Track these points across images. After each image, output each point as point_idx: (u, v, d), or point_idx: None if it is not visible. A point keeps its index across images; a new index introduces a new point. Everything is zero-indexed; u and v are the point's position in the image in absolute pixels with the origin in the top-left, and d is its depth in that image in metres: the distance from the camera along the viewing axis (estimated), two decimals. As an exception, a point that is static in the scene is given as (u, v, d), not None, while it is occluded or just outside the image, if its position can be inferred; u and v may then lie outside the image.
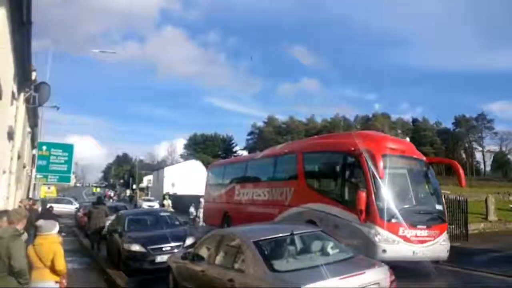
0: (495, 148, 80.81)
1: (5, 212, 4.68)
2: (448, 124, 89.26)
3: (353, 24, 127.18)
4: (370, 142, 8.89)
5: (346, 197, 8.80)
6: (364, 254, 6.32)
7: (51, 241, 4.81)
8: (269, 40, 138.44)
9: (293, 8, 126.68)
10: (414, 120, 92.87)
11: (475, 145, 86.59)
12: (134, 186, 70.98)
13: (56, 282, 4.77)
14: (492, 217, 17.13)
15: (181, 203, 29.94)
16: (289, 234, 5.31)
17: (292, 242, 5.31)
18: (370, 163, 8.21)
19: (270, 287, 4.34)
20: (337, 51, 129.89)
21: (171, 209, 24.38)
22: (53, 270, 4.69)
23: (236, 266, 5.09)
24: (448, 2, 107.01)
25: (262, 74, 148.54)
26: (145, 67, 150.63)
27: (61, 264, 4.70)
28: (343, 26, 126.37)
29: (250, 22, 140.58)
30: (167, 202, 26.07)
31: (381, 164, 7.91)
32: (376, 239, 7.72)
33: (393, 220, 7.89)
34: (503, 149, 79.22)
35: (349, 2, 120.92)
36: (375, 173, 8.06)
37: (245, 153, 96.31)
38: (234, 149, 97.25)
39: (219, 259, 5.65)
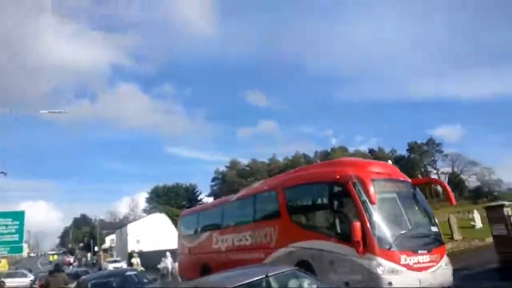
0: (448, 169, 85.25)
1: None
2: (402, 151, 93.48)
3: (305, 65, 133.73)
4: (354, 168, 8.44)
5: (338, 229, 8.18)
6: None
7: None
8: (224, 86, 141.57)
9: (245, 53, 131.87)
10: (371, 151, 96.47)
11: (429, 168, 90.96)
12: (96, 248, 66.73)
13: None
14: (457, 236, 17.73)
15: (150, 259, 28.04)
16: (264, 276, 5.15)
17: (268, 285, 5.15)
18: (359, 190, 7.72)
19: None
20: (290, 92, 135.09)
21: (141, 268, 23.00)
22: None
23: (214, 318, 4.82)
24: (385, 34, 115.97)
25: (221, 120, 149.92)
26: (100, 123, 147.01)
27: None
28: (294, 67, 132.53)
29: (203, 71, 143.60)
30: (136, 261, 24.59)
31: (371, 190, 7.44)
32: (379, 271, 7.13)
33: (393, 248, 7.34)
34: (455, 169, 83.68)
35: (297, 44, 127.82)
36: (366, 199, 7.59)
37: (210, 199, 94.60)
38: (198, 197, 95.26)
39: (194, 313, 5.34)
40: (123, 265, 32.16)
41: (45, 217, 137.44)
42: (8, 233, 18.62)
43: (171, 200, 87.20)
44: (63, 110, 17.51)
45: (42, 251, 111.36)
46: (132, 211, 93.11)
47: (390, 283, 7.02)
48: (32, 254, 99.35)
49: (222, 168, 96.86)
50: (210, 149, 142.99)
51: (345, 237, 7.75)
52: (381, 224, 7.56)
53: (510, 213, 10.50)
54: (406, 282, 7.10)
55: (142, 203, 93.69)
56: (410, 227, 7.94)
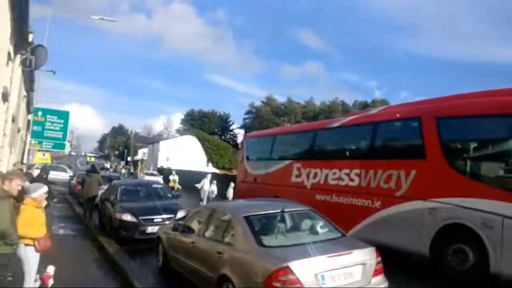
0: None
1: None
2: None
3: (361, 9, 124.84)
4: None
5: None
6: None
7: (26, 203, 4.78)
8: (277, 21, 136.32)
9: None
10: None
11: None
12: (129, 158, 71.07)
13: (27, 245, 4.68)
14: None
15: (187, 179, 26.46)
16: (279, 211, 5.35)
17: (283, 220, 5.35)
18: None
19: (258, 261, 4.40)
20: (342, 35, 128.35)
21: (178, 186, 23.02)
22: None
23: (226, 239, 5.15)
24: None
25: (267, 55, 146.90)
26: (150, 40, 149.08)
27: (19, 226, 4.42)
28: (351, 10, 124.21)
29: (258, 2, 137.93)
30: (173, 178, 23.87)
31: None
32: None
33: None
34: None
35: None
36: None
37: (241, 131, 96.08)
38: (230, 127, 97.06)
39: (209, 232, 5.72)
40: (159, 179, 30.27)
41: (89, 122, 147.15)
42: (53, 130, 20.11)
43: (205, 125, 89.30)
44: (114, 18, 17.54)
45: (82, 152, 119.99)
46: (166, 129, 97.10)
47: None
48: (73, 153, 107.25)
49: (258, 103, 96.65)
50: (249, 82, 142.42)
51: None
52: None
53: None
54: None
55: (176, 124, 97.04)
56: None
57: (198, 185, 18.67)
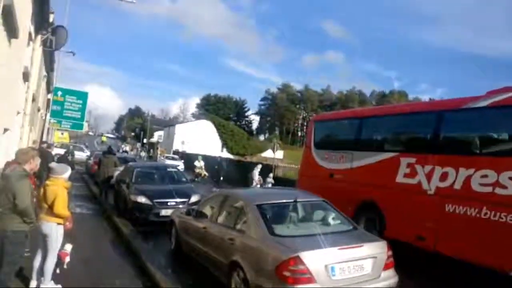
0: None
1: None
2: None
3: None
4: None
5: None
6: None
7: (58, 184, 4.91)
8: (301, 9, 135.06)
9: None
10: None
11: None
12: (145, 140, 71.97)
13: (59, 224, 4.89)
14: None
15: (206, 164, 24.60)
16: (292, 201, 5.36)
17: (295, 209, 5.36)
18: None
19: (269, 249, 4.43)
20: (364, 25, 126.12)
21: (205, 173, 22.43)
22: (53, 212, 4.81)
23: (238, 226, 5.19)
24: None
25: (288, 43, 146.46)
26: (172, 24, 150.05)
27: (59, 207, 4.77)
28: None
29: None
30: (200, 164, 22.52)
31: None
32: None
33: None
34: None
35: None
36: None
37: (257, 118, 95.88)
38: (246, 113, 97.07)
39: (221, 218, 5.77)
40: (181, 164, 29.35)
41: (108, 103, 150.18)
42: (72, 110, 20.45)
43: (220, 110, 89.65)
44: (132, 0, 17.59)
45: (99, 132, 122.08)
46: (182, 113, 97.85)
47: None
48: (90, 133, 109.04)
49: (274, 90, 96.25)
50: (268, 69, 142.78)
51: None
52: None
53: None
54: None
55: (192, 108, 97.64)
56: None
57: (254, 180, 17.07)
